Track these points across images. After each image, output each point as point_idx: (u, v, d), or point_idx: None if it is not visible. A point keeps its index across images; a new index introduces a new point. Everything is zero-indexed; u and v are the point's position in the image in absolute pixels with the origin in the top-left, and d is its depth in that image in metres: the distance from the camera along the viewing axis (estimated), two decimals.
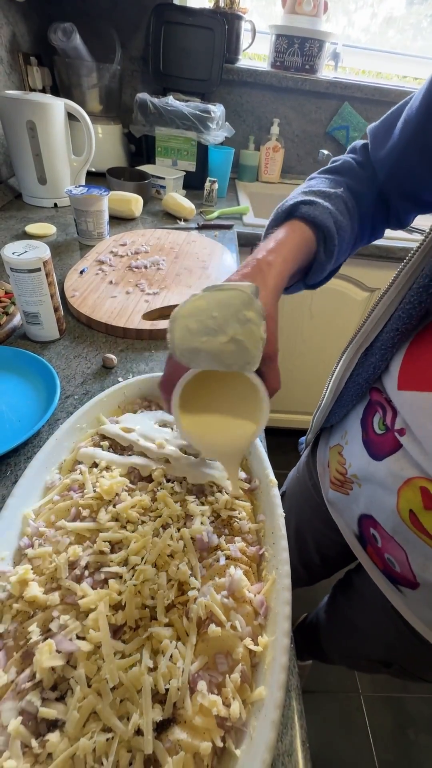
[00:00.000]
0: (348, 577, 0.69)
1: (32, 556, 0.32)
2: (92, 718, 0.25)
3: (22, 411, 0.49)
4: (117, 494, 0.37)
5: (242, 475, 0.42)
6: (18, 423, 0.47)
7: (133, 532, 0.35)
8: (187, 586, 0.32)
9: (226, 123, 1.23)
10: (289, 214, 0.40)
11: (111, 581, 0.31)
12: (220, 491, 0.40)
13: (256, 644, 0.29)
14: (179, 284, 0.75)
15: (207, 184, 1.16)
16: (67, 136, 1.00)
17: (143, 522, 0.36)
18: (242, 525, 0.37)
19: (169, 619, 0.30)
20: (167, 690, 0.26)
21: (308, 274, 0.42)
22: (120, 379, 0.49)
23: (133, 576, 0.32)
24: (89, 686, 0.26)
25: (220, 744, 0.25)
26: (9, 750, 0.23)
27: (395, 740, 1.02)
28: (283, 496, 0.76)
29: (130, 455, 0.42)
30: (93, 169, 1.17)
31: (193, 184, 1.25)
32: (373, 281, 1.22)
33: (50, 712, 0.25)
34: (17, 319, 0.62)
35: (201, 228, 1.04)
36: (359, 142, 0.49)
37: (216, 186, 1.17)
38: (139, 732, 0.25)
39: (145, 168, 1.18)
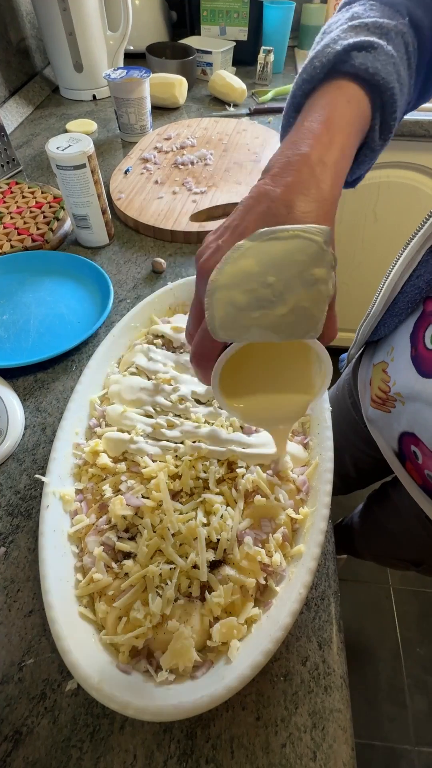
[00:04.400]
0: (383, 489, 0.70)
1: (100, 433, 0.37)
2: (157, 555, 0.31)
3: (81, 313, 0.52)
4: (171, 385, 0.40)
5: None
6: (78, 324, 0.51)
7: (187, 418, 0.38)
8: (235, 465, 0.36)
9: None
10: (333, 68, 0.26)
11: (168, 456, 0.35)
12: None
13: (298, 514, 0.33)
14: (228, 181, 0.69)
15: (261, 56, 0.99)
16: (101, 7, 0.87)
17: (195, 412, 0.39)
18: None
19: (219, 489, 0.34)
20: (218, 541, 0.31)
21: (351, 166, 0.28)
22: (169, 283, 0.49)
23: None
24: (154, 532, 0.31)
25: (263, 582, 0.30)
26: (95, 567, 0.30)
27: (418, 624, 1.14)
28: None
29: (182, 353, 0.44)
30: (131, 48, 1.04)
31: (244, 58, 1.07)
32: None
33: (124, 545, 0.31)
34: (68, 225, 0.62)
35: (253, 114, 0.92)
36: None
37: (271, 58, 0.99)
38: (195, 568, 0.30)
39: (189, 41, 1.02)
